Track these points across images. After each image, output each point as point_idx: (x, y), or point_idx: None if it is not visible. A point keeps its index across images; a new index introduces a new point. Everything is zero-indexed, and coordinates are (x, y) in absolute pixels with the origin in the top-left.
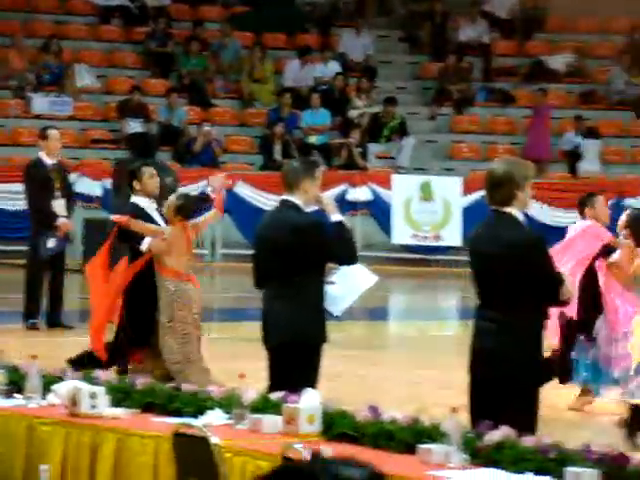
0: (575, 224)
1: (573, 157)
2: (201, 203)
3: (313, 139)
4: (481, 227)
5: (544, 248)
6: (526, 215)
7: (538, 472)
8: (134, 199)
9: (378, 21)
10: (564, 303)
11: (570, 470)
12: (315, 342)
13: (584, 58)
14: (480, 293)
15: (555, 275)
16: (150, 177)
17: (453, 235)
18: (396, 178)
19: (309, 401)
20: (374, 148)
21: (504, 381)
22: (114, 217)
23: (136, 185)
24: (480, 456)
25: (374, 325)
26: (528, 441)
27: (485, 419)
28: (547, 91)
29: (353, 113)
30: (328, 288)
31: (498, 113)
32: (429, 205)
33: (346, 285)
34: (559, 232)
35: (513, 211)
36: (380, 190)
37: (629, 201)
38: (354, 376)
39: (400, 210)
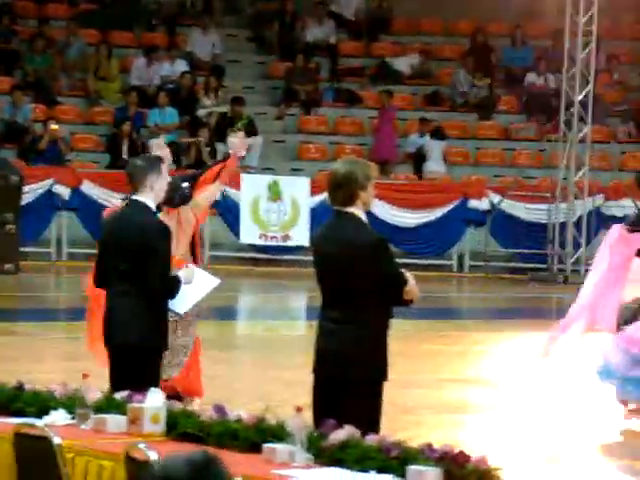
0: (609, 232)
1: (418, 158)
2: (187, 187)
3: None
4: (324, 227)
5: (386, 248)
6: (370, 215)
7: (381, 470)
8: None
9: (226, 20)
10: (407, 303)
11: (412, 468)
12: (158, 342)
13: (429, 60)
14: (324, 293)
15: (397, 275)
16: (159, 147)
17: (301, 235)
18: (244, 178)
19: (154, 401)
20: (223, 147)
21: (347, 380)
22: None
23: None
24: (324, 455)
25: (223, 325)
26: (371, 440)
27: (330, 418)
28: (393, 92)
29: (201, 112)
30: None
31: (345, 114)
32: (277, 205)
33: (189, 286)
34: (403, 232)
35: (355, 211)
36: (228, 190)
37: (473, 202)
38: (202, 376)
39: (248, 210)
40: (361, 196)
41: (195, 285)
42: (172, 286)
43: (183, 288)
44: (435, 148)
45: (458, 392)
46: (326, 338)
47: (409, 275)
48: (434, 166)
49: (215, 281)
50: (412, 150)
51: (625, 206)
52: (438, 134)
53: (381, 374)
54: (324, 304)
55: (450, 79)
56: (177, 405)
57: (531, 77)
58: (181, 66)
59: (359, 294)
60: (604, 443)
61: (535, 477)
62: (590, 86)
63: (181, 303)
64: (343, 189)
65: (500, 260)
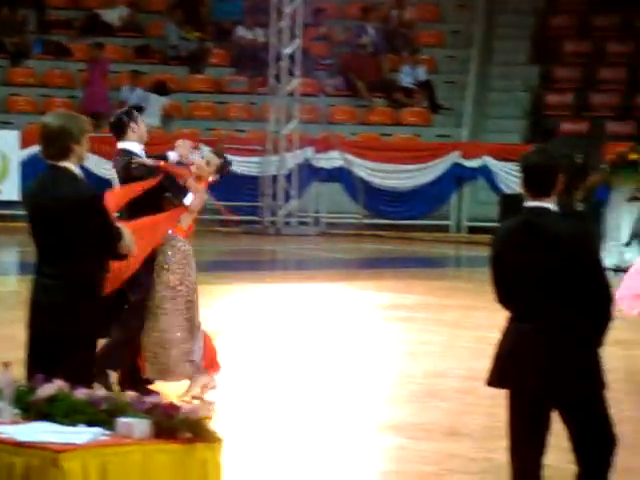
0: None
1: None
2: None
3: None
4: (37, 181)
5: (99, 203)
6: (84, 169)
7: (91, 424)
8: (126, 145)
9: None
10: (123, 257)
11: (121, 420)
12: None
13: (138, 12)
14: (38, 248)
15: (112, 229)
16: (142, 121)
17: (12, 189)
18: None
19: None
20: None
21: (60, 335)
22: (161, 163)
23: (134, 127)
24: (32, 410)
25: None
26: (81, 394)
27: (42, 373)
28: (103, 45)
29: None
30: None
31: (54, 66)
32: None
33: None
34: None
35: (69, 165)
36: None
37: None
38: None
39: None
40: (76, 150)
41: None
42: None
43: None
44: (154, 102)
45: None
46: (40, 293)
47: (124, 229)
48: (149, 120)
49: None
50: (124, 103)
51: (333, 158)
52: (160, 89)
53: (92, 328)
54: (38, 259)
55: (160, 32)
56: None
57: (241, 31)
58: None
59: (73, 249)
60: (329, 394)
61: (249, 426)
62: (298, 40)
63: None
64: (57, 143)
65: (212, 213)
